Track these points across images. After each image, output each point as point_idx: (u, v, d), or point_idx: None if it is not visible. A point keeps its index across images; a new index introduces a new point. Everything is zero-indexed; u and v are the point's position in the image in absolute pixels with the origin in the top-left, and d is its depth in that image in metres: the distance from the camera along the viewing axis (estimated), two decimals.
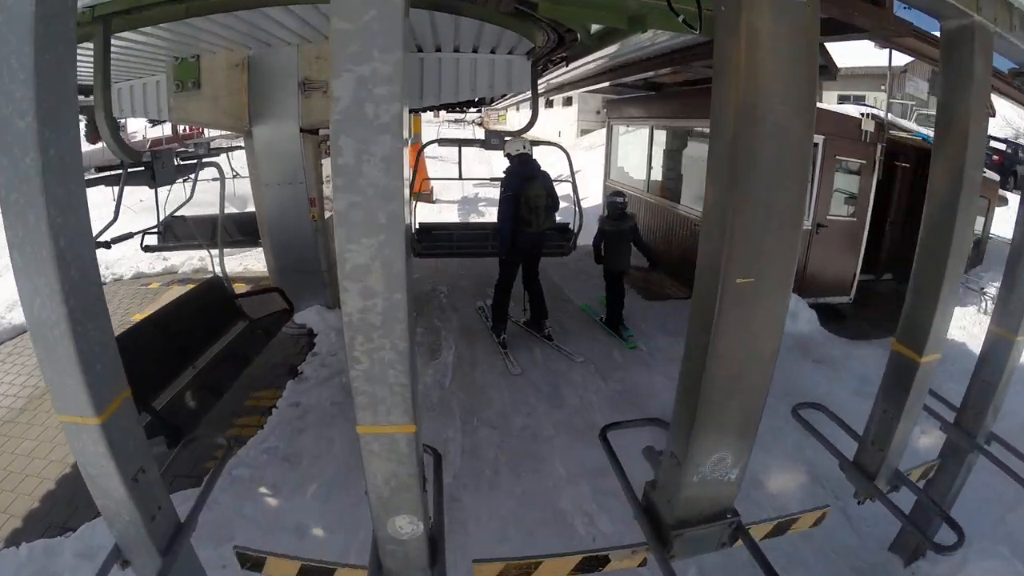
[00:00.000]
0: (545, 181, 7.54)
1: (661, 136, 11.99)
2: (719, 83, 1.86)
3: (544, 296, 8.26)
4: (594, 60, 8.46)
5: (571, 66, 9.02)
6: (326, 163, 8.42)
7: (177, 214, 9.02)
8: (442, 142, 9.01)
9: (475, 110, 17.65)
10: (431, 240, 9.52)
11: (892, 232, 10.37)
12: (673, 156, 11.59)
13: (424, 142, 11.87)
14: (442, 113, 31.49)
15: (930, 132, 10.20)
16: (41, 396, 6.89)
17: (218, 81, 7.59)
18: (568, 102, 40.65)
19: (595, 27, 6.46)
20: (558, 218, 8.24)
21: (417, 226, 9.51)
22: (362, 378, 1.98)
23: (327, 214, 8.52)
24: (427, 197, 20.39)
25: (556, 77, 11.31)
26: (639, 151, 12.98)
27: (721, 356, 2.15)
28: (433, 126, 37.85)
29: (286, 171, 8.00)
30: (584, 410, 6.40)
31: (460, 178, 9.52)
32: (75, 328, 2.03)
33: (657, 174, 12.20)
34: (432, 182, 20.05)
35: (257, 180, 8.38)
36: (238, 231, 10.65)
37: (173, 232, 10.13)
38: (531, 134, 9.02)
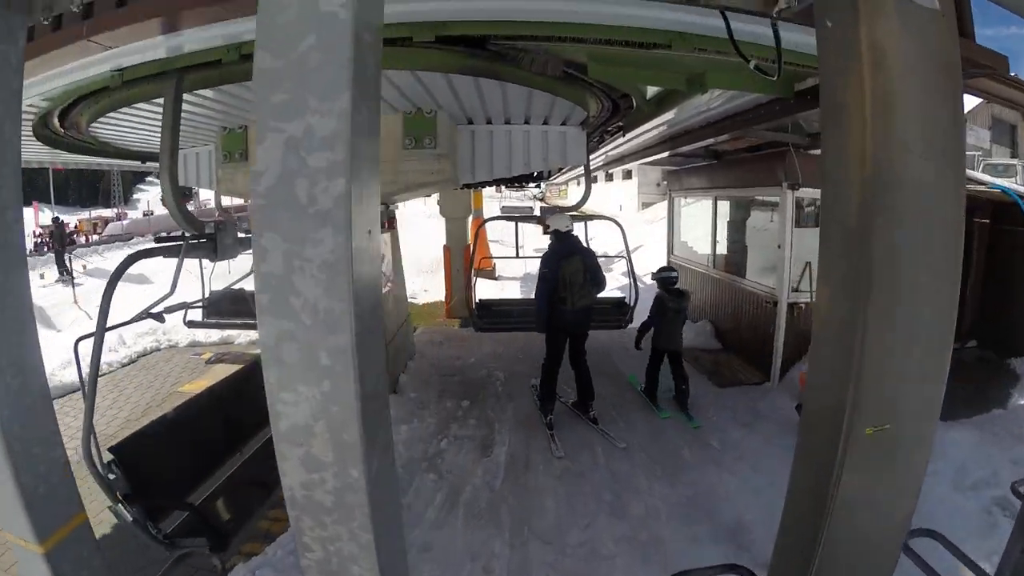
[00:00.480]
0: (586, 258, 7.42)
1: (724, 207, 11.43)
2: (832, 135, 1.26)
3: (591, 376, 7.86)
4: (652, 128, 7.95)
5: (628, 136, 8.53)
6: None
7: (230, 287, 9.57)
8: (498, 218, 9.57)
9: (535, 185, 17.34)
10: (491, 316, 9.72)
11: (973, 294, 9.41)
12: (737, 228, 11.03)
13: (485, 218, 12.03)
14: (504, 188, 31.58)
15: (1008, 183, 9.53)
16: (78, 460, 6.77)
17: None
18: (628, 175, 40.78)
19: (651, 91, 5.94)
20: (618, 293, 8.57)
21: (477, 302, 9.64)
22: (315, 570, 1.41)
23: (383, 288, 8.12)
24: (490, 274, 20.12)
25: (613, 149, 10.89)
26: (702, 224, 12.37)
27: (840, 520, 1.45)
28: (495, 201, 38.14)
29: None
30: (650, 521, 5.66)
31: (517, 256, 9.94)
32: (10, 445, 1.72)
33: (722, 247, 11.57)
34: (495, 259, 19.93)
35: None
36: None
37: (221, 307, 10.05)
38: (589, 208, 8.75)
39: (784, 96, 5.32)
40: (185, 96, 5.56)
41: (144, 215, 49.63)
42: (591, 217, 10.20)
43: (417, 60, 4.66)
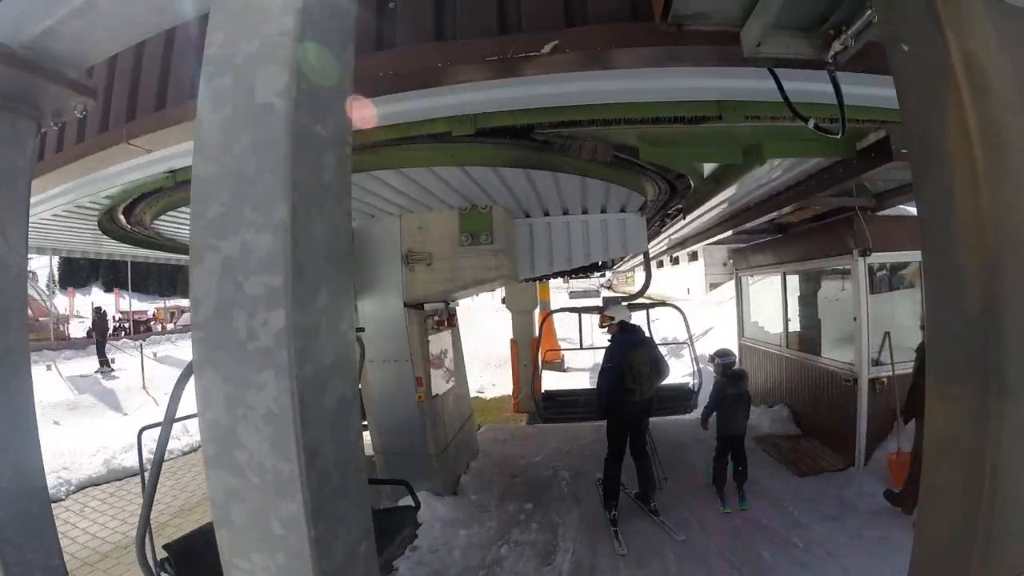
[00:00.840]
0: (650, 350, 7.34)
1: (794, 282, 11.01)
2: (928, 196, 1.01)
3: (653, 467, 7.75)
4: (712, 207, 7.70)
5: (689, 217, 8.28)
6: (434, 340, 8.08)
7: None
8: (563, 310, 10.07)
9: (599, 274, 17.21)
10: (556, 406, 9.85)
11: None
12: (808, 302, 10.59)
13: (550, 309, 12.09)
14: (570, 279, 31.51)
15: None
16: (127, 546, 7.44)
17: None
18: (693, 256, 40.38)
19: (708, 168, 5.75)
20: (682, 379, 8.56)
21: (543, 393, 9.88)
22: None
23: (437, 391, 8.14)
24: (558, 366, 20.01)
25: (676, 232, 10.63)
26: (772, 302, 11.88)
27: None
28: (562, 292, 37.98)
29: (391, 348, 7.65)
30: None
31: (581, 347, 10.64)
32: (3, 549, 1.71)
33: (794, 325, 11.05)
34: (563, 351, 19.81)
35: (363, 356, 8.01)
36: None
37: None
38: (657, 293, 8.71)
39: (846, 157, 5.03)
40: None
41: None
42: (652, 305, 10.36)
43: (461, 155, 4.60)
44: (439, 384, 8.32)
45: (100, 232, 7.81)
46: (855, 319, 8.30)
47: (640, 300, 10.54)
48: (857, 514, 7.02)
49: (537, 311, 17.40)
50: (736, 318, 13.38)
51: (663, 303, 10.96)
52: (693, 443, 9.80)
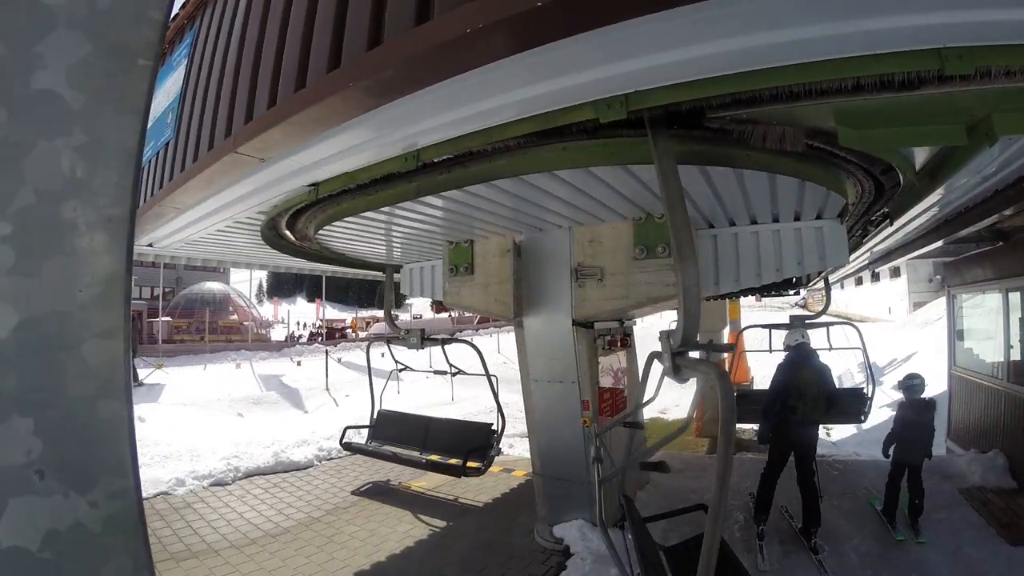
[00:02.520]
0: (821, 374, 7.40)
1: (1018, 300, 9.38)
2: None
3: (818, 501, 7.39)
4: (923, 210, 6.59)
5: (896, 224, 7.15)
6: (604, 361, 7.69)
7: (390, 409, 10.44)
8: (755, 326, 10.37)
9: (793, 292, 15.99)
10: (748, 404, 9.53)
11: None
12: None
13: (741, 329, 13.35)
14: (763, 298, 29.84)
15: None
16: (277, 535, 7.93)
17: (490, 267, 7.30)
18: (896, 272, 37.53)
19: (920, 159, 4.73)
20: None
21: (736, 390, 9.21)
22: None
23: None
24: (748, 387, 18.91)
25: (879, 243, 9.38)
26: (991, 324, 10.24)
27: None
28: (754, 312, 36.22)
29: (557, 368, 7.30)
30: None
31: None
32: None
33: (1018, 353, 9.37)
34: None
35: (526, 375, 7.79)
36: (448, 440, 9.87)
37: (388, 430, 10.26)
38: (854, 313, 7.95)
39: None
40: (410, 212, 5.85)
41: (413, 318, 54.22)
42: (829, 324, 10.59)
43: (620, 152, 4.06)
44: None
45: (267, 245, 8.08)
46: None
47: (821, 320, 10.63)
48: None
49: (727, 331, 17.07)
50: (947, 343, 11.65)
51: (840, 321, 11.23)
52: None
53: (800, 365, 7.40)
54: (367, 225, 6.55)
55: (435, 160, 4.40)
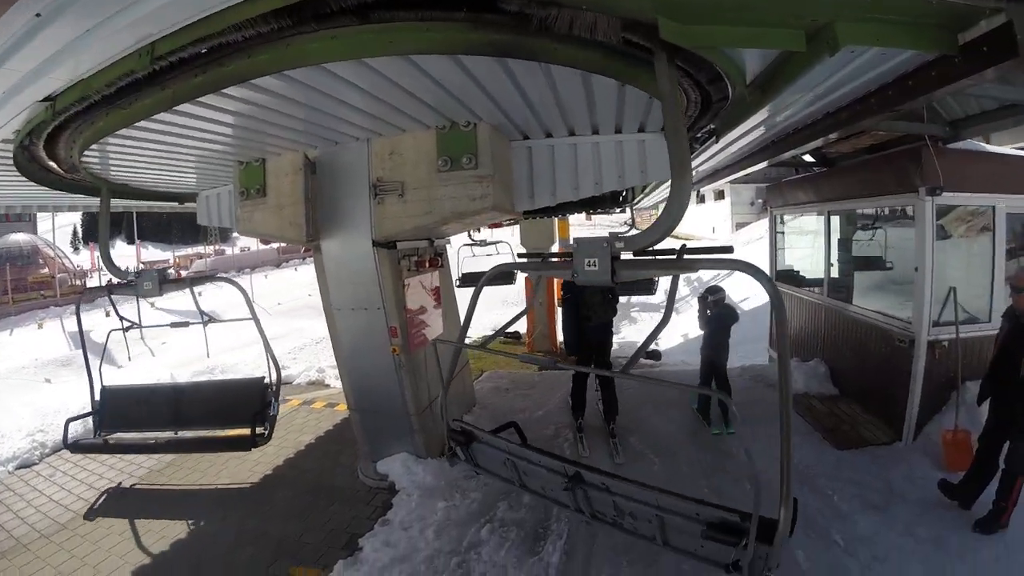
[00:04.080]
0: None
1: (838, 223, 9.79)
2: None
3: (615, 391, 8.37)
4: (751, 128, 6.32)
5: (721, 143, 6.87)
6: (411, 283, 7.00)
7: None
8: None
9: (620, 210, 15.98)
10: None
11: None
12: (860, 247, 9.34)
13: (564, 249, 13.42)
14: (592, 216, 30.10)
15: None
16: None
17: (283, 187, 6.44)
18: (720, 195, 39.39)
19: (752, 67, 4.29)
20: None
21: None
22: None
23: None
24: None
25: (704, 162, 9.17)
26: (812, 244, 10.68)
27: None
28: (586, 229, 36.72)
29: (360, 294, 6.66)
30: None
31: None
32: None
33: (837, 271, 9.83)
34: None
35: (328, 303, 7.12)
36: (209, 409, 7.74)
37: (114, 415, 7.81)
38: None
39: (948, 53, 3.53)
40: (200, 125, 4.94)
41: (241, 251, 51.09)
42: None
43: (400, 40, 3.33)
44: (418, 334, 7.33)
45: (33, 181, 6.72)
46: (916, 269, 7.10)
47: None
48: (906, 505, 6.03)
49: (555, 249, 16.66)
50: (768, 261, 11.90)
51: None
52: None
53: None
54: (140, 147, 5.53)
55: (178, 57, 3.52)
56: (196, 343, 7.51)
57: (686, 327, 19.16)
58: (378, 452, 7.39)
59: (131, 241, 53.54)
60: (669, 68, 3.35)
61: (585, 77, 4.15)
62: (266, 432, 6.97)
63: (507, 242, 14.49)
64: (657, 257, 3.93)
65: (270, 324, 18.15)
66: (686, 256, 3.54)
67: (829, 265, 9.87)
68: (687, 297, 24.37)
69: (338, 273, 6.73)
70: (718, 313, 8.41)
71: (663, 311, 3.98)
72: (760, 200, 38.69)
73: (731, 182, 13.63)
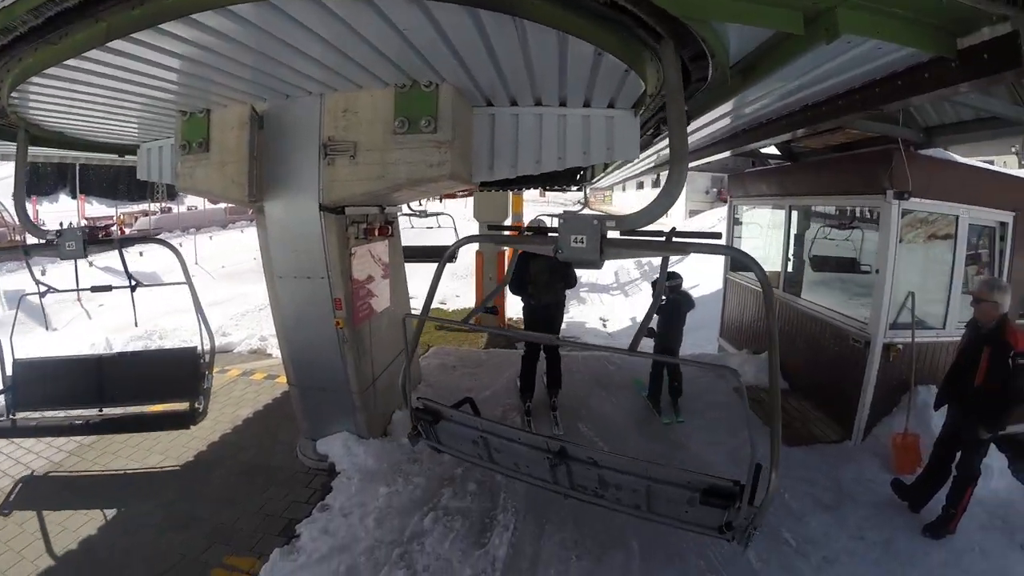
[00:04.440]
0: (550, 260, 6.55)
1: (796, 217, 9.87)
2: None
3: (559, 367, 8.45)
4: (723, 114, 6.17)
5: (691, 127, 6.59)
6: (358, 252, 6.63)
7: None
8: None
9: (576, 187, 15.71)
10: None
11: None
12: (820, 246, 9.43)
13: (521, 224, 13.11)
14: (546, 192, 29.75)
15: None
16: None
17: (228, 142, 5.87)
18: None
19: (737, 47, 4.04)
20: None
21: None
22: None
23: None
24: None
25: (665, 147, 8.94)
26: (770, 238, 10.64)
27: None
28: (540, 205, 36.49)
29: (303, 261, 6.23)
30: None
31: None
32: None
33: (792, 266, 9.90)
34: None
35: (269, 270, 6.67)
36: (137, 383, 7.07)
37: (29, 392, 6.94)
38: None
39: (945, 55, 3.39)
40: (140, 68, 4.40)
41: (188, 209, 49.48)
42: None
43: None
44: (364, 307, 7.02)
45: None
46: (876, 271, 7.12)
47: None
48: (857, 505, 6.02)
49: (508, 223, 16.17)
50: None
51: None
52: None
53: (529, 257, 7.63)
54: (74, 90, 4.99)
55: None
56: (138, 305, 6.83)
57: (634, 310, 19.12)
58: (318, 430, 7.08)
59: (75, 196, 51.35)
60: (675, 58, 3.15)
61: (561, 40, 3.83)
62: (201, 407, 6.54)
63: (450, 215, 14.17)
64: (647, 239, 3.83)
65: (213, 288, 17.37)
66: (675, 239, 3.56)
67: (787, 260, 9.88)
68: (637, 281, 24.43)
69: (281, 238, 6.28)
70: (674, 299, 8.25)
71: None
72: (715, 189, 39.03)
73: (690, 169, 13.47)
